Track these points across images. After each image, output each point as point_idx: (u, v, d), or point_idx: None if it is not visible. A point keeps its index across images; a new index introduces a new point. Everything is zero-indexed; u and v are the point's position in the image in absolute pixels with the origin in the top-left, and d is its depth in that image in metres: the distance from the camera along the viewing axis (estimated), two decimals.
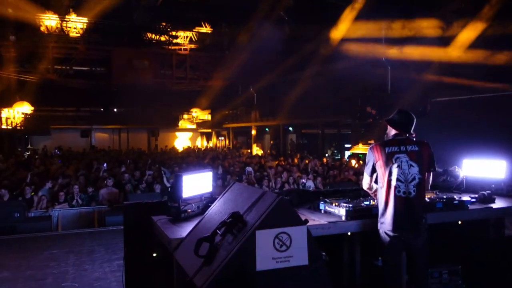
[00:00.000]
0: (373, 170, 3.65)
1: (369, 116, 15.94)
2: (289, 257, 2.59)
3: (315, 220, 3.74)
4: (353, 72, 16.46)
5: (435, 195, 4.31)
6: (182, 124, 30.86)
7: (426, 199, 4.15)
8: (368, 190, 3.86)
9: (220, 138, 32.22)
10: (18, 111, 24.42)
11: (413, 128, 3.65)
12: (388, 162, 3.54)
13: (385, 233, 3.57)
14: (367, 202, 3.99)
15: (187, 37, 28.49)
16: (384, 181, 3.55)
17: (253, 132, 26.74)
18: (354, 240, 4.54)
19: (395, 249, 3.59)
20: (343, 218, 3.72)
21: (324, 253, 2.77)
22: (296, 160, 15.87)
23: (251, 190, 3.07)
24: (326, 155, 19.83)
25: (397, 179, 3.50)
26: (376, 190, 3.82)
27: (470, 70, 12.89)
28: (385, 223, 3.56)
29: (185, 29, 28.22)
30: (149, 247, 4.07)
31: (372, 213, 3.80)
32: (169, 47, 27.87)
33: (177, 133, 31.34)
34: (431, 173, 3.69)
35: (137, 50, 26.56)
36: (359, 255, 4.58)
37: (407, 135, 3.62)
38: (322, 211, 4.02)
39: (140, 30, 26.65)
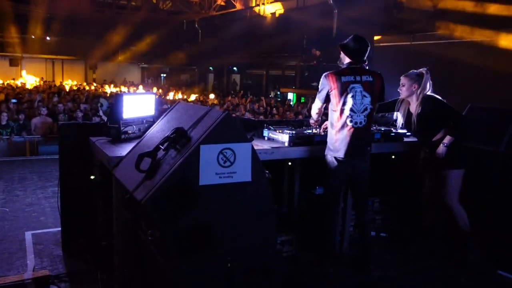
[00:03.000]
0: (326, 98, 3.63)
1: (314, 58, 16.00)
2: (232, 173, 2.58)
3: (258, 145, 3.76)
4: (299, 14, 16.26)
5: (374, 127, 4.46)
6: (121, 58, 29.31)
7: None
8: (315, 115, 3.85)
9: (162, 74, 31.15)
10: None
11: (366, 55, 3.65)
12: (342, 92, 3.54)
13: (334, 158, 3.68)
14: (309, 131, 4.06)
15: None
16: (338, 110, 3.58)
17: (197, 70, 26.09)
18: (294, 168, 4.66)
19: (341, 173, 3.71)
20: (286, 144, 3.77)
21: (267, 171, 2.79)
22: (237, 100, 15.82)
23: (196, 107, 2.99)
24: (270, 96, 19.90)
25: (351, 109, 3.54)
26: (321, 119, 3.92)
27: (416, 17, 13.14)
28: (335, 150, 3.66)
29: None
30: (86, 170, 3.92)
31: (313, 141, 3.88)
32: None
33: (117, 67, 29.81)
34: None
35: None
36: (298, 184, 4.74)
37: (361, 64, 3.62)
38: (266, 138, 4.04)
39: None
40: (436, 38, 12.38)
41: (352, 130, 3.57)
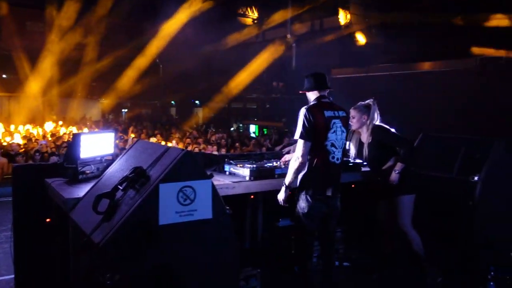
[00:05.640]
0: (312, 134, 3.42)
1: (275, 90, 16.34)
2: (193, 211, 2.58)
3: (219, 180, 3.77)
4: (259, 48, 16.69)
5: None
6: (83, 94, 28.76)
7: None
8: (301, 158, 3.42)
9: (123, 110, 30.77)
10: None
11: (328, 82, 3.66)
12: (326, 128, 3.45)
13: (311, 197, 3.48)
14: (270, 164, 4.11)
15: None
16: (321, 146, 3.46)
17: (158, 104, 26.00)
18: (257, 202, 4.68)
19: (317, 213, 3.55)
20: (247, 178, 3.79)
21: (228, 207, 2.80)
22: (194, 132, 15.88)
23: (156, 146, 2.99)
24: (232, 128, 20.02)
25: (332, 145, 3.48)
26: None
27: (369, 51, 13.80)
28: (312, 188, 3.48)
29: None
30: (42, 213, 3.79)
31: (275, 174, 3.92)
32: None
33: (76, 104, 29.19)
34: None
35: (33, 11, 24.01)
36: (261, 217, 4.75)
37: (327, 91, 3.63)
38: (227, 173, 4.05)
39: None
40: (388, 69, 12.98)
41: (332, 166, 3.51)
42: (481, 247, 4.18)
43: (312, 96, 3.64)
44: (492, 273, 3.99)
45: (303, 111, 3.44)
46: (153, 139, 12.48)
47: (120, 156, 3.23)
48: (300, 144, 3.43)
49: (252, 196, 4.62)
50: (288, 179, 3.52)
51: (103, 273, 2.60)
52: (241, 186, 3.72)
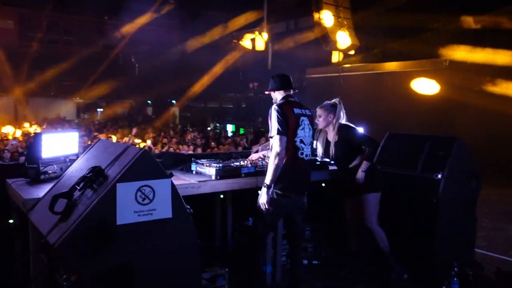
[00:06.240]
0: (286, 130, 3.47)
1: (251, 90, 16.36)
2: (152, 210, 2.56)
3: (185, 180, 3.75)
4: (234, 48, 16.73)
5: None
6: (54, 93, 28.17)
7: None
8: (281, 153, 3.44)
9: (98, 110, 30.32)
10: None
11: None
12: (296, 124, 3.55)
13: (277, 194, 3.52)
14: (237, 163, 4.11)
15: None
16: (291, 142, 3.52)
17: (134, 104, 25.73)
18: (226, 201, 4.69)
19: (282, 209, 3.61)
20: (213, 177, 3.78)
21: (189, 207, 2.79)
22: (171, 132, 15.79)
23: (117, 145, 2.96)
24: (208, 128, 19.95)
25: (301, 141, 3.57)
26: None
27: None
28: (280, 184, 3.51)
29: None
30: (4, 214, 3.71)
31: (240, 173, 3.92)
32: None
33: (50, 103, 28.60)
34: None
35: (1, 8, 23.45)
36: (231, 216, 4.75)
37: (292, 91, 3.72)
38: (194, 172, 4.04)
39: None
40: (362, 69, 13.15)
41: (301, 163, 3.59)
42: (445, 243, 4.27)
43: (278, 95, 3.74)
44: (455, 269, 4.08)
45: (275, 108, 3.52)
46: (126, 139, 12.34)
47: (82, 155, 3.18)
48: (276, 140, 3.46)
49: (221, 196, 4.63)
50: (268, 178, 3.50)
51: (61, 274, 2.57)
52: (206, 186, 3.70)
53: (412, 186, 4.38)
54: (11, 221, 3.68)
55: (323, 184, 4.87)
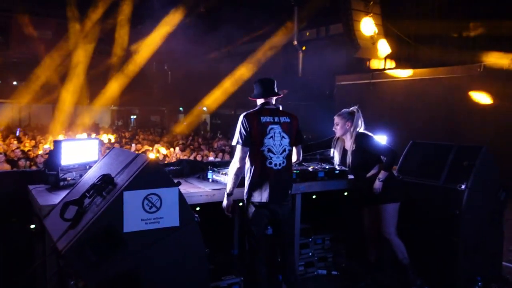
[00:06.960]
0: (250, 140, 3.45)
1: (282, 96, 16.31)
2: (159, 219, 2.58)
3: (200, 188, 3.77)
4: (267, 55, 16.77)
5: (318, 165, 4.55)
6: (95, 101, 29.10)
7: (309, 169, 4.36)
8: (238, 163, 3.47)
9: (132, 116, 31.05)
10: None
11: (276, 88, 3.66)
12: (263, 133, 3.45)
13: (253, 204, 3.51)
14: None
15: None
16: (257, 152, 3.47)
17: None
18: (243, 209, 4.66)
19: (261, 218, 3.54)
20: None
21: (197, 215, 2.80)
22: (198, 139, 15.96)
23: (127, 153, 3.00)
24: None
25: (269, 150, 3.46)
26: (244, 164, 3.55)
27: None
28: (254, 195, 3.50)
29: None
30: (25, 219, 3.83)
31: None
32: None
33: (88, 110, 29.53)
34: (300, 146, 3.74)
35: (41, 19, 24.41)
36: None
37: (274, 98, 3.62)
38: (210, 180, 4.06)
39: None
40: (393, 76, 12.91)
41: (271, 172, 3.48)
42: (468, 257, 4.10)
43: (258, 102, 3.67)
44: (479, 283, 3.91)
45: (240, 117, 3.51)
46: (156, 146, 12.56)
47: (96, 163, 3.25)
48: (237, 150, 3.49)
49: (240, 204, 4.61)
50: (228, 186, 3.57)
51: (68, 280, 2.62)
52: (220, 194, 3.70)
53: (434, 197, 4.24)
54: (32, 226, 3.80)
55: (345, 193, 4.78)
